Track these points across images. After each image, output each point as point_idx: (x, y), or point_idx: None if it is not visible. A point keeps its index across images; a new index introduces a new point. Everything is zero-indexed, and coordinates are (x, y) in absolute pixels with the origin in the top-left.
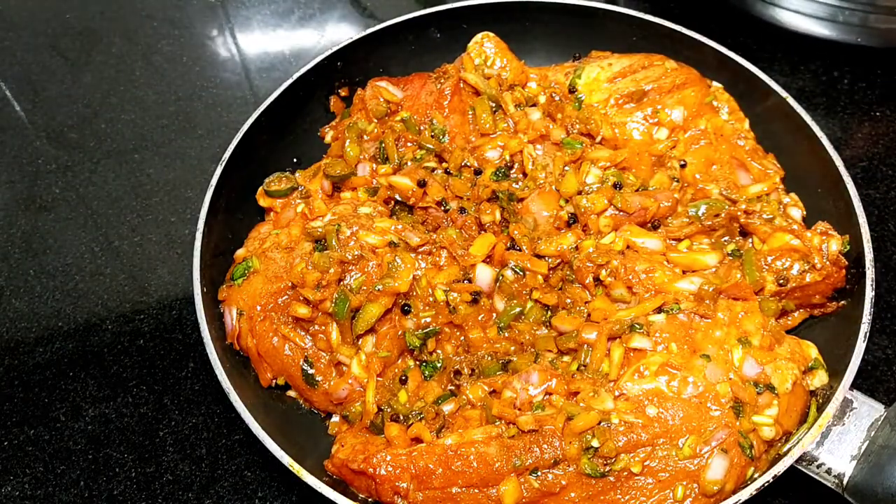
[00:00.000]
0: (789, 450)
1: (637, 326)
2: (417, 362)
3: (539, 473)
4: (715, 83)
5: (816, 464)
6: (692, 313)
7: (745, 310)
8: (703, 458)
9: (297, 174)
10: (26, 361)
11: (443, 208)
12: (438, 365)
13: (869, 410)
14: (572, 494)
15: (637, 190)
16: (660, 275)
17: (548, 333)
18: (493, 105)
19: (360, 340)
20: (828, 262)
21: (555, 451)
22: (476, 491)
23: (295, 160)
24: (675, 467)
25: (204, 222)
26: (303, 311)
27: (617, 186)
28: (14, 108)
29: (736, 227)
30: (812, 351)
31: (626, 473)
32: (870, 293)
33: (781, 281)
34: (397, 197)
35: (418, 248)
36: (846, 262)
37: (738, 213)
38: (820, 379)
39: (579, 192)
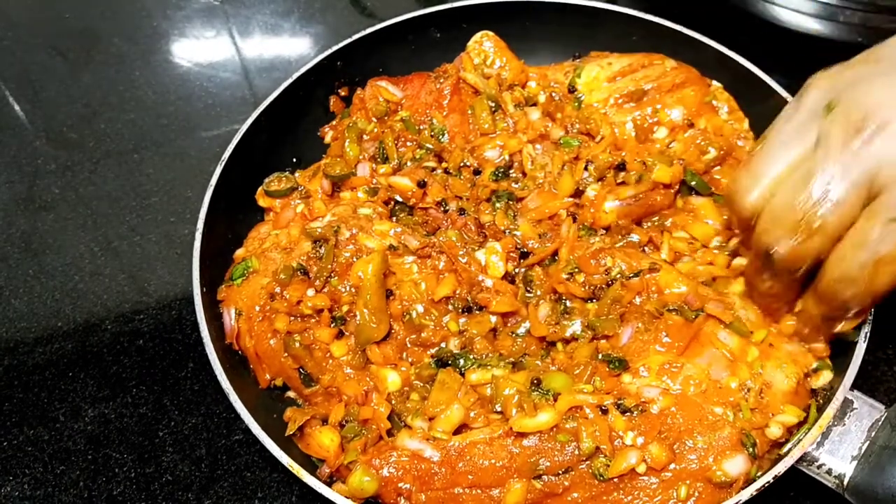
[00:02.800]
0: (790, 450)
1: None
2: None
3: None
4: (715, 83)
5: (817, 464)
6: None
7: (747, 307)
8: (707, 457)
9: (296, 174)
10: (26, 361)
11: (442, 209)
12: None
13: (869, 411)
14: (575, 495)
15: (638, 181)
16: (662, 275)
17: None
18: (493, 104)
19: None
20: None
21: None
22: (479, 491)
23: (295, 160)
24: (679, 467)
25: (204, 222)
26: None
27: (620, 167)
28: (14, 108)
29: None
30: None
31: (629, 473)
32: None
33: None
34: (397, 197)
35: (417, 251)
36: None
37: None
38: (824, 378)
39: (580, 191)
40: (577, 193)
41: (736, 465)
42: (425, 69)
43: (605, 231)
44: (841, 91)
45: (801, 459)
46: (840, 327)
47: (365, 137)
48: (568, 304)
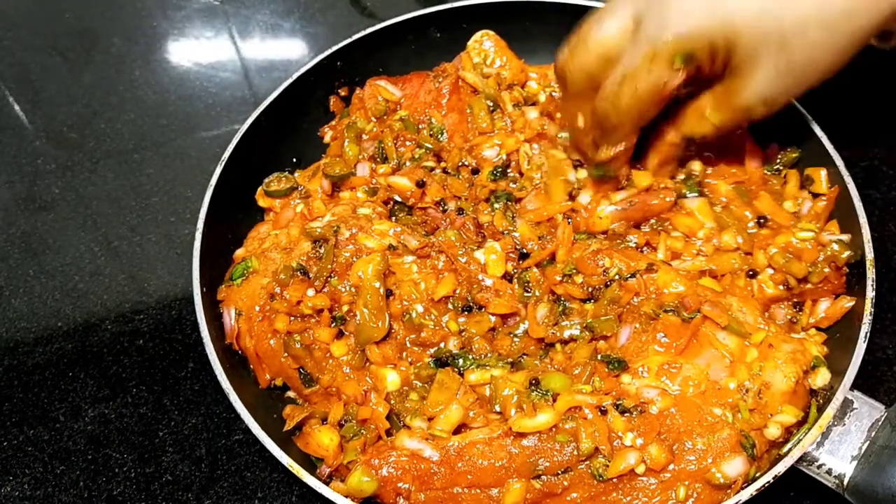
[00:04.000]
0: (789, 450)
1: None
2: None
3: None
4: None
5: (817, 464)
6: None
7: (746, 308)
8: (706, 458)
9: (296, 174)
10: (26, 361)
11: (441, 209)
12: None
13: (869, 411)
14: (574, 495)
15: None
16: (660, 275)
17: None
18: (491, 104)
19: None
20: (827, 269)
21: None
22: (478, 491)
23: (295, 160)
24: (678, 467)
25: (204, 222)
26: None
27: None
28: (14, 108)
29: None
30: (814, 349)
31: (628, 474)
32: (870, 293)
33: (782, 286)
34: (396, 197)
35: (417, 251)
36: (846, 270)
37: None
38: (822, 377)
39: (573, 194)
40: (572, 198)
41: (734, 466)
42: (425, 69)
43: (602, 235)
44: None
45: (801, 459)
46: (601, 154)
47: (364, 137)
48: (566, 304)
